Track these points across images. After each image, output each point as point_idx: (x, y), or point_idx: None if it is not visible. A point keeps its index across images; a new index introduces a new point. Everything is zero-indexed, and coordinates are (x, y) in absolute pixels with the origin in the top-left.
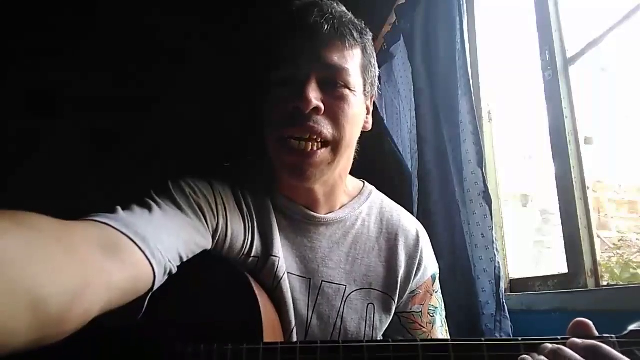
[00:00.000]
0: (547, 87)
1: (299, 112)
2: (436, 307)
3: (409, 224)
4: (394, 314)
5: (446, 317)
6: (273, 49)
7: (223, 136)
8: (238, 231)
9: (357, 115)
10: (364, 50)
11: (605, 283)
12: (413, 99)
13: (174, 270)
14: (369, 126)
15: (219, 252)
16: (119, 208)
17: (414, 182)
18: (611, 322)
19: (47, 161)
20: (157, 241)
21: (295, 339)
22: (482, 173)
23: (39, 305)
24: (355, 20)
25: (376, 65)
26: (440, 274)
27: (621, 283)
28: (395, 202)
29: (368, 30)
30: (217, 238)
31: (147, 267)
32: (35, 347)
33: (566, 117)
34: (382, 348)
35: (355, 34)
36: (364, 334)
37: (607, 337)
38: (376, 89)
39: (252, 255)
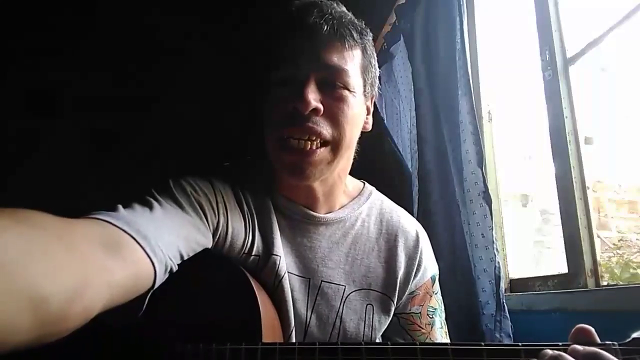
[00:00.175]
0: (547, 87)
1: (298, 113)
2: (435, 309)
3: (409, 225)
4: (393, 314)
5: (446, 317)
6: (273, 49)
7: (223, 136)
8: (239, 229)
9: (356, 116)
10: (363, 51)
11: (605, 283)
12: (413, 99)
13: (175, 269)
14: (369, 126)
15: (220, 250)
16: (120, 206)
17: (414, 182)
18: (611, 322)
19: (47, 161)
20: (158, 239)
21: (294, 339)
22: (482, 173)
23: (39, 302)
24: (355, 21)
25: (376, 66)
26: (440, 274)
27: (621, 283)
28: (395, 202)
29: (368, 30)
30: (217, 236)
31: (148, 265)
32: (36, 344)
33: (566, 117)
34: (381, 351)
35: (355, 35)
36: (363, 334)
37: (609, 344)
38: (376, 89)
39: (253, 253)
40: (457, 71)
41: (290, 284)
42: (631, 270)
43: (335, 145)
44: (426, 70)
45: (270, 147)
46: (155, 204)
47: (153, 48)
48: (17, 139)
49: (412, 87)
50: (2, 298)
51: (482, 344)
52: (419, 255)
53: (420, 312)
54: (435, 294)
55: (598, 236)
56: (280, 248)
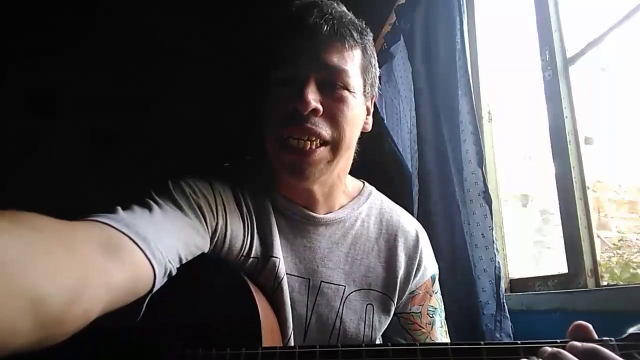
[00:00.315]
0: (547, 87)
1: (298, 113)
2: (435, 308)
3: (409, 225)
4: (393, 314)
5: (446, 317)
6: (273, 49)
7: (223, 136)
8: (237, 231)
9: (356, 117)
10: (364, 51)
11: (605, 283)
12: (413, 99)
13: (174, 272)
14: (369, 127)
15: (218, 253)
16: (119, 208)
17: (414, 182)
18: (611, 322)
19: (47, 161)
20: (157, 241)
21: (293, 340)
22: (482, 173)
23: (38, 305)
24: (356, 21)
25: (377, 66)
26: (440, 274)
27: (621, 283)
28: (395, 202)
29: (368, 30)
30: (216, 238)
31: (148, 268)
32: (35, 348)
33: (566, 117)
34: (381, 352)
35: (355, 35)
36: (363, 334)
37: (607, 340)
38: (377, 89)
39: (252, 256)
40: (457, 71)
41: (289, 285)
42: (631, 270)
43: (334, 146)
44: (426, 70)
45: (270, 147)
46: (154, 205)
47: (153, 48)
48: (17, 139)
49: (412, 87)
50: (2, 300)
51: (482, 342)
52: (419, 254)
53: (420, 312)
54: (435, 293)
55: (598, 236)
56: (279, 250)
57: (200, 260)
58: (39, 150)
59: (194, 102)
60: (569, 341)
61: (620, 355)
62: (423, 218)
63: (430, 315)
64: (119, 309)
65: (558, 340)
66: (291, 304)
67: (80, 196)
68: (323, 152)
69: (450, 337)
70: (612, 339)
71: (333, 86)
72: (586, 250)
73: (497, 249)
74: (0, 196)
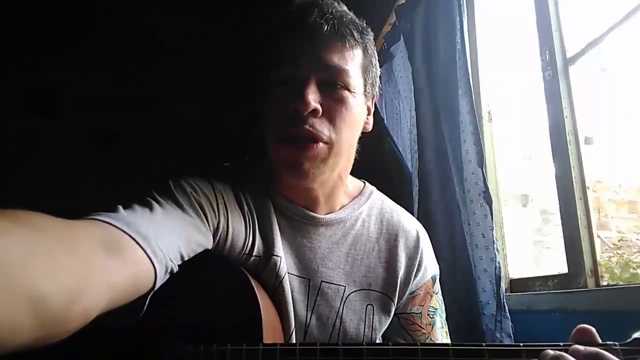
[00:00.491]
0: (547, 87)
1: (298, 114)
2: (436, 309)
3: (409, 225)
4: (394, 314)
5: (446, 317)
6: (273, 49)
7: (223, 136)
8: (239, 230)
9: (356, 117)
10: (364, 51)
11: (605, 283)
12: (413, 99)
13: (175, 269)
14: (370, 127)
15: (220, 251)
16: (120, 207)
17: (414, 182)
18: (611, 323)
19: (47, 161)
20: (158, 240)
21: (294, 340)
22: (483, 173)
23: (39, 304)
24: (356, 20)
25: (377, 65)
26: (440, 274)
27: (621, 283)
28: (395, 202)
29: (369, 30)
30: (218, 237)
31: (149, 266)
32: (36, 346)
33: (566, 117)
34: (382, 351)
35: (355, 34)
36: (363, 334)
37: (611, 344)
38: (377, 89)
39: (254, 254)
40: (457, 71)
41: (290, 285)
42: (631, 270)
43: (332, 145)
44: (426, 70)
45: (269, 146)
46: (155, 204)
47: (153, 48)
48: (17, 139)
49: (412, 87)
50: (3, 299)
51: (483, 344)
52: (419, 255)
53: (420, 312)
54: (436, 294)
55: (598, 236)
56: (280, 249)
57: (202, 258)
58: (39, 150)
59: (194, 102)
60: (572, 344)
61: None
62: (423, 218)
63: (431, 316)
64: (120, 307)
65: (561, 344)
66: (292, 303)
67: (80, 196)
68: (322, 147)
69: (451, 337)
70: (617, 343)
71: (333, 86)
72: (586, 250)
73: (497, 249)
74: (0, 196)
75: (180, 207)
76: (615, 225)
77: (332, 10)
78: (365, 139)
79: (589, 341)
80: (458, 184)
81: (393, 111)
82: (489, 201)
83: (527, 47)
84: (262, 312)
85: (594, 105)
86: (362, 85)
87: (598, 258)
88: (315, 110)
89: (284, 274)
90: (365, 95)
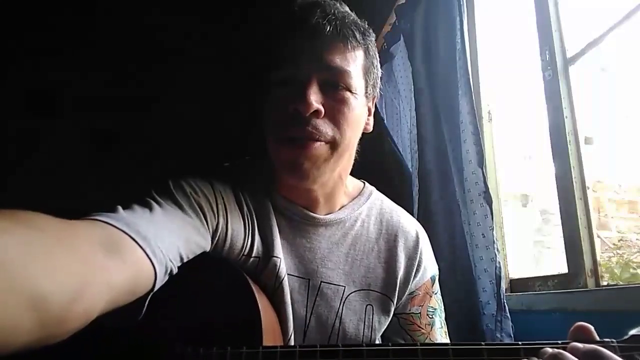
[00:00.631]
0: (547, 87)
1: (299, 114)
2: (435, 309)
3: (409, 225)
4: (393, 315)
5: (446, 317)
6: (274, 49)
7: (223, 136)
8: (238, 231)
9: (358, 118)
10: (366, 52)
11: (605, 283)
12: (413, 99)
13: (175, 270)
14: (370, 127)
15: (219, 252)
16: (120, 207)
17: (414, 182)
18: (611, 322)
19: (47, 161)
20: (158, 240)
21: (294, 341)
22: (483, 173)
23: (39, 304)
24: (358, 21)
25: (378, 66)
26: (440, 274)
27: (621, 283)
28: (395, 202)
29: (371, 30)
30: (217, 238)
31: (149, 266)
32: (36, 346)
33: (566, 117)
34: (382, 352)
35: (357, 35)
36: (363, 335)
37: (608, 341)
38: (378, 90)
39: (253, 255)
40: (457, 71)
41: (289, 285)
42: (631, 270)
43: (335, 146)
44: (426, 70)
45: (270, 147)
46: (155, 205)
47: (153, 48)
48: (17, 139)
49: (412, 87)
50: (3, 299)
51: (482, 343)
52: (418, 255)
53: (420, 313)
54: (435, 294)
55: (598, 236)
56: (280, 250)
57: (201, 259)
58: (39, 150)
59: (194, 102)
60: (570, 342)
61: (622, 357)
62: (423, 218)
63: (430, 316)
64: (120, 308)
65: (559, 342)
66: (291, 304)
67: (80, 196)
68: (322, 147)
69: (451, 337)
70: (614, 340)
71: (335, 87)
72: (586, 250)
73: (497, 249)
74: (0, 196)
75: (180, 207)
76: (615, 225)
77: (335, 11)
78: (365, 139)
79: (587, 339)
80: (458, 184)
81: (393, 111)
82: (489, 201)
83: (527, 47)
84: (261, 315)
85: (594, 105)
86: (364, 87)
87: (598, 258)
88: (317, 111)
89: (283, 275)
90: (367, 97)
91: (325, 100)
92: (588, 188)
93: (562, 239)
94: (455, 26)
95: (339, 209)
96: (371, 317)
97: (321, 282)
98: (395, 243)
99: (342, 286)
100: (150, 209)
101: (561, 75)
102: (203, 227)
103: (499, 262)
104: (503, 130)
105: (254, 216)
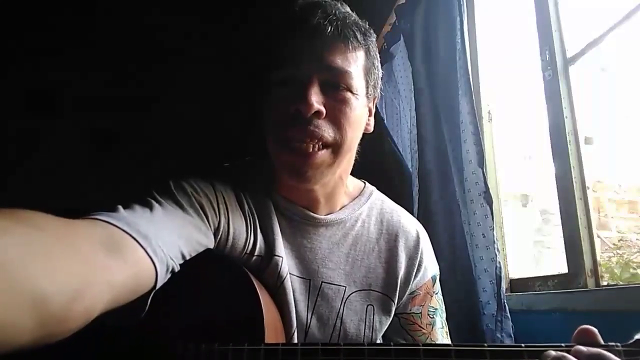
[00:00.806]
0: (547, 87)
1: (300, 115)
2: (436, 309)
3: (409, 225)
4: (394, 315)
5: (447, 317)
6: (275, 49)
7: (223, 136)
8: (240, 230)
9: (359, 118)
10: (367, 52)
11: (605, 283)
12: (413, 99)
13: (177, 269)
14: (371, 128)
15: (222, 251)
16: (120, 207)
17: (414, 182)
18: (611, 323)
19: (47, 161)
20: (158, 239)
21: (295, 340)
22: (483, 173)
23: (40, 303)
24: (359, 21)
25: (379, 67)
26: (440, 274)
27: (621, 283)
28: (395, 202)
29: (372, 31)
30: (219, 236)
31: (149, 265)
32: (37, 345)
33: (566, 117)
34: (384, 352)
35: (358, 36)
36: (364, 335)
37: (613, 345)
38: (379, 90)
39: (256, 254)
40: (457, 71)
41: (291, 285)
42: (631, 270)
43: (336, 148)
44: (426, 70)
45: (271, 147)
46: (155, 204)
47: (153, 48)
48: (17, 139)
49: (412, 87)
50: (4, 299)
51: (485, 344)
52: (419, 255)
53: (420, 312)
54: (436, 294)
55: (598, 236)
56: (282, 249)
57: (204, 257)
58: (39, 150)
59: (194, 102)
60: (574, 345)
61: None
62: (423, 218)
63: (431, 316)
64: (122, 307)
65: (563, 344)
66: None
67: (80, 196)
68: (325, 154)
69: (451, 337)
70: (618, 344)
71: (336, 88)
72: (586, 250)
73: (497, 249)
74: (0, 196)
75: (181, 206)
76: (615, 225)
77: (336, 12)
78: (365, 139)
79: (591, 342)
80: (458, 184)
81: (393, 111)
82: (489, 201)
83: (527, 47)
84: (263, 312)
85: (594, 105)
86: (364, 87)
87: (598, 258)
88: (318, 112)
89: (285, 274)
90: (367, 97)
91: (326, 101)
92: (588, 188)
93: (562, 239)
94: (455, 26)
95: (340, 209)
96: (372, 317)
97: (322, 282)
98: (395, 243)
99: (343, 286)
100: (151, 208)
101: (561, 75)
102: (204, 226)
103: (499, 262)
104: (503, 130)
105: (255, 215)
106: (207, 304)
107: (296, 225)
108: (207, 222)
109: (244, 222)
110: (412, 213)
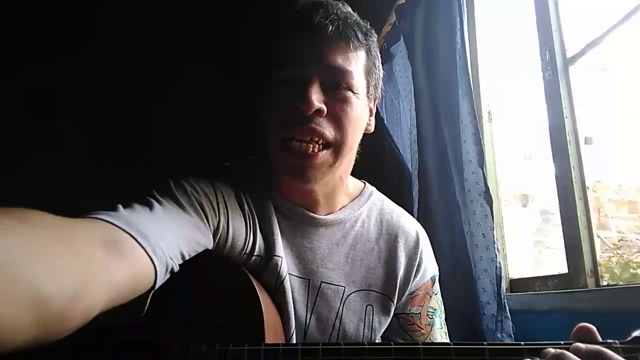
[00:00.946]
0: (547, 87)
1: (301, 113)
2: (435, 309)
3: (409, 226)
4: (393, 315)
5: (446, 317)
6: (276, 49)
7: (223, 136)
8: (240, 230)
9: (359, 118)
10: (368, 52)
11: (605, 283)
12: (413, 99)
13: (176, 268)
14: (372, 128)
15: (221, 251)
16: (120, 206)
17: (414, 182)
18: (611, 323)
19: (47, 161)
20: (158, 239)
21: (295, 340)
22: (483, 173)
23: (40, 302)
24: (360, 21)
25: (380, 67)
26: (440, 274)
27: (621, 283)
28: (395, 202)
29: (373, 31)
30: (218, 236)
31: (149, 265)
32: (36, 344)
33: (566, 117)
34: (384, 350)
35: (359, 36)
36: (363, 335)
37: (611, 342)
38: (380, 90)
39: (255, 254)
40: (457, 71)
41: (290, 285)
42: (631, 270)
43: (337, 148)
44: (426, 70)
45: (271, 147)
46: (155, 204)
47: (153, 48)
48: (17, 139)
49: (412, 87)
50: (3, 298)
51: (485, 343)
52: (419, 255)
53: (420, 313)
54: (435, 294)
55: (598, 236)
56: (281, 249)
57: (204, 257)
58: (39, 150)
59: (194, 102)
60: (572, 343)
61: (624, 358)
62: (423, 218)
63: (430, 317)
64: (121, 306)
65: (562, 342)
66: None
67: (81, 196)
68: (326, 155)
69: (451, 337)
70: (617, 341)
71: (337, 87)
72: (586, 250)
73: (497, 249)
74: (0, 196)
75: (181, 206)
76: (615, 225)
77: (337, 11)
78: (365, 139)
79: (590, 339)
80: (458, 184)
81: (393, 111)
82: (489, 201)
83: (527, 47)
84: (263, 312)
85: (594, 105)
86: (365, 87)
87: (598, 258)
88: (319, 110)
89: (285, 275)
90: (368, 97)
91: (327, 100)
92: (588, 188)
93: (562, 239)
94: (455, 26)
95: (340, 209)
96: (371, 317)
97: (321, 282)
98: (395, 243)
99: (342, 286)
100: (151, 207)
101: (561, 75)
102: (204, 226)
103: (499, 262)
104: (503, 130)
105: (255, 215)
106: (206, 304)
107: (296, 225)
108: (206, 222)
109: (244, 222)
110: (412, 213)
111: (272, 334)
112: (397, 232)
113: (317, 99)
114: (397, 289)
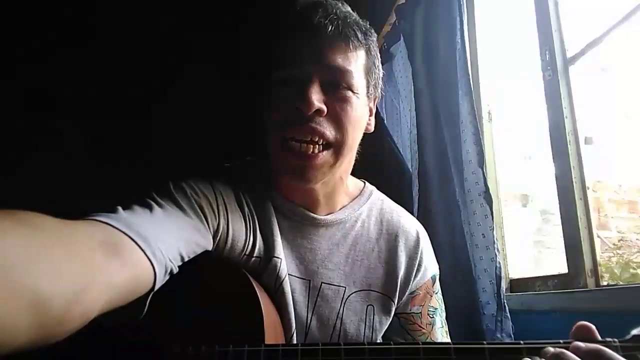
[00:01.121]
0: (547, 87)
1: (301, 113)
2: (436, 308)
3: (409, 225)
4: (394, 314)
5: (446, 317)
6: (276, 48)
7: (223, 136)
8: (239, 231)
9: (359, 118)
10: (368, 52)
11: (605, 283)
12: (413, 99)
13: (175, 270)
14: (372, 128)
15: (220, 252)
16: (120, 208)
17: (414, 182)
18: (611, 322)
19: (47, 161)
20: (157, 241)
21: (295, 341)
22: (483, 173)
23: (39, 304)
24: (360, 21)
25: (380, 67)
26: (440, 274)
27: (621, 283)
28: (395, 202)
29: (373, 31)
30: (218, 238)
31: (148, 267)
32: (35, 346)
33: (566, 117)
34: (384, 350)
35: (359, 35)
36: (364, 335)
37: (610, 341)
38: (380, 90)
39: (254, 255)
40: (457, 71)
41: (290, 286)
42: (631, 270)
43: (337, 148)
44: (426, 70)
45: (271, 147)
46: (155, 205)
47: (153, 48)
48: (17, 139)
49: (412, 87)
50: (3, 300)
51: (484, 342)
52: (419, 255)
53: (420, 312)
54: (436, 293)
55: (598, 236)
56: (281, 250)
57: (204, 259)
58: (39, 150)
59: (194, 103)
60: (572, 342)
61: (624, 357)
62: (423, 218)
63: (431, 316)
64: (121, 308)
65: (561, 341)
66: (292, 305)
67: (80, 196)
68: (326, 155)
69: (451, 337)
70: (616, 340)
71: (336, 86)
72: (586, 250)
73: (497, 249)
74: (0, 196)
75: (180, 208)
76: (615, 225)
77: (337, 11)
78: (365, 139)
79: (589, 338)
80: (458, 184)
81: (393, 111)
82: (489, 201)
83: (527, 47)
84: (263, 313)
85: (594, 105)
86: (365, 87)
87: (598, 258)
88: (319, 110)
89: (284, 276)
90: (368, 97)
91: (327, 100)
92: (588, 188)
93: (562, 239)
94: (455, 26)
95: (340, 209)
96: (372, 317)
97: (322, 282)
98: (395, 243)
99: (343, 287)
100: (151, 209)
101: (561, 75)
102: (204, 228)
103: (499, 262)
104: (503, 130)
105: (255, 216)
106: (206, 305)
107: (296, 226)
108: (206, 224)
109: (244, 224)
110: (412, 213)
111: (272, 334)
112: (397, 231)
113: (317, 98)
114: (398, 289)
